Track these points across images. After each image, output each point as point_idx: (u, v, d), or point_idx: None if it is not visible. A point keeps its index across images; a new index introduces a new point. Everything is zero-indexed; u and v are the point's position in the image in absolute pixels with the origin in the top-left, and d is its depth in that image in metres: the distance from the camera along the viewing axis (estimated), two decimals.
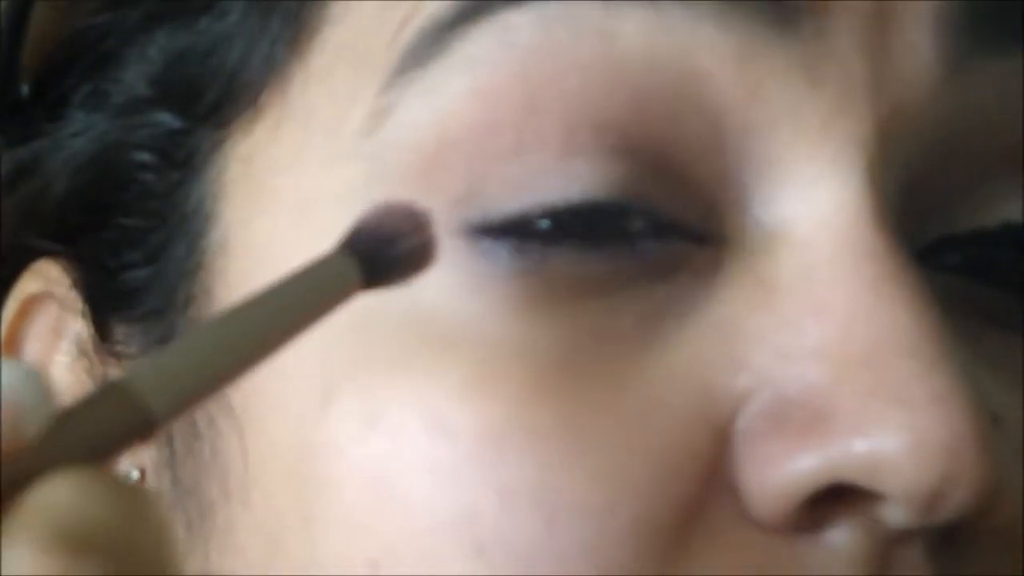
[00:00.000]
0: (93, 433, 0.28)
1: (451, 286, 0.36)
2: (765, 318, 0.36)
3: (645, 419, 0.35)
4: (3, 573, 0.26)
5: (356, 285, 0.31)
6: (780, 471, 0.35)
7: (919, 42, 0.37)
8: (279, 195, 0.38)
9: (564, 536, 0.34)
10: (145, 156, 0.40)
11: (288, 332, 0.30)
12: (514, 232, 0.36)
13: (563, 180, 0.36)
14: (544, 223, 0.36)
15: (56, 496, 0.27)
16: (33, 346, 0.43)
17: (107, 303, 0.42)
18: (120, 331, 0.42)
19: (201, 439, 0.39)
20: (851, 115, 0.36)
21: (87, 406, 0.29)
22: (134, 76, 0.41)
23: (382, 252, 0.32)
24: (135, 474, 0.42)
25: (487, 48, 0.36)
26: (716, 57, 0.36)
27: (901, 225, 0.37)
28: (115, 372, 0.42)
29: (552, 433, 0.35)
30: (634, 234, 0.36)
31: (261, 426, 0.38)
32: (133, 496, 0.27)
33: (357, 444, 0.36)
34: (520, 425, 0.35)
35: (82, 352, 0.42)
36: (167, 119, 0.40)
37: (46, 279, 0.43)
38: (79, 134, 0.42)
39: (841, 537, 0.35)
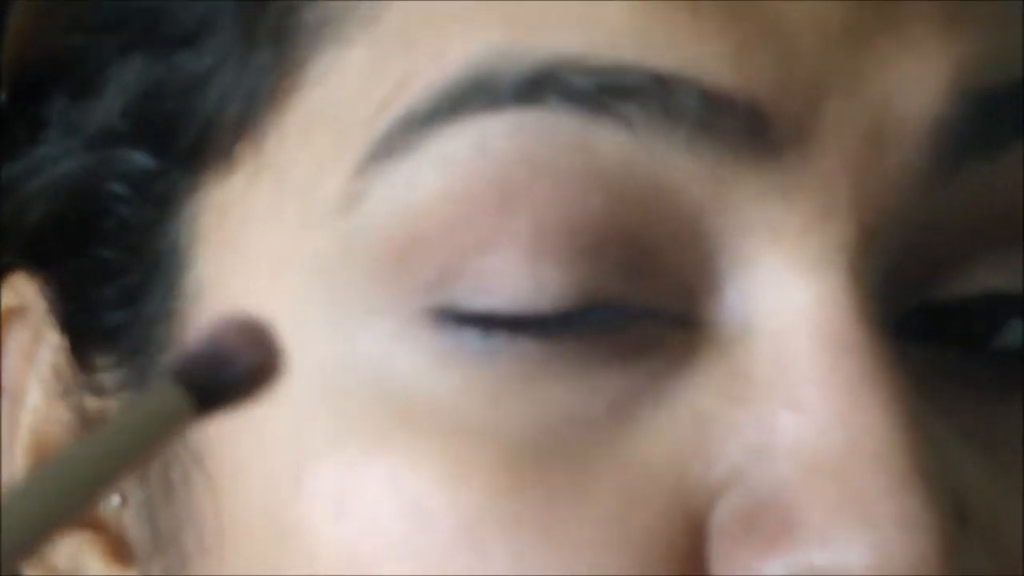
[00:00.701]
0: None
1: (421, 366, 0.36)
2: (739, 411, 0.36)
3: (621, 508, 0.35)
4: None
5: (188, 415, 0.30)
6: None
7: (915, 154, 0.37)
8: (254, 253, 0.38)
9: None
10: (120, 188, 0.40)
11: (117, 474, 0.30)
12: (480, 321, 0.36)
13: (531, 282, 0.35)
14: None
15: None
16: (11, 360, 0.43)
17: (84, 334, 0.41)
18: (99, 362, 0.41)
19: (175, 491, 0.39)
20: (831, 227, 0.36)
21: None
22: (109, 105, 0.40)
23: (216, 376, 0.30)
24: (116, 500, 0.42)
25: (461, 150, 0.36)
26: (692, 179, 0.36)
27: (882, 303, 0.36)
28: (92, 402, 0.41)
29: (528, 522, 0.35)
30: (604, 322, 0.36)
31: (234, 489, 0.38)
32: None
33: (330, 524, 0.36)
34: (496, 514, 0.35)
35: (57, 378, 0.42)
36: (140, 157, 0.39)
37: (22, 295, 0.42)
38: (56, 159, 0.41)
39: None
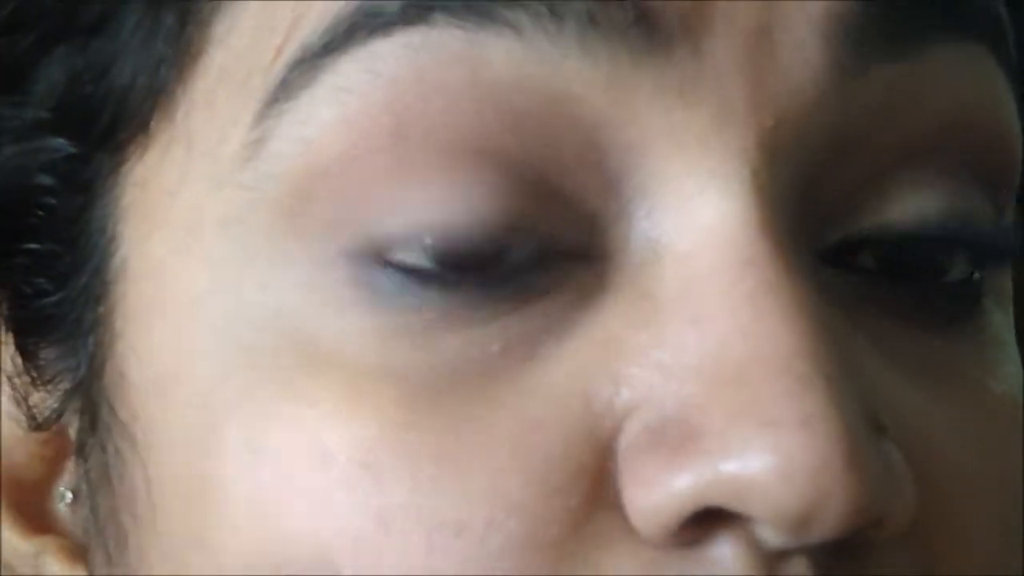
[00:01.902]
0: None
1: (329, 313, 0.36)
2: (646, 333, 0.36)
3: (523, 436, 0.35)
4: None
5: None
6: (656, 491, 0.34)
7: (807, 52, 0.36)
8: (169, 220, 0.38)
9: (444, 556, 0.34)
10: (48, 180, 0.41)
11: None
12: (391, 264, 0.36)
13: (436, 201, 0.36)
14: (421, 257, 0.36)
15: None
16: None
17: (26, 327, 0.42)
18: (44, 355, 0.42)
19: (110, 468, 0.40)
20: (730, 130, 0.36)
21: None
22: (35, 99, 0.41)
23: None
24: (68, 496, 0.42)
25: (354, 78, 0.36)
26: (585, 83, 0.36)
27: (797, 228, 0.36)
28: (42, 398, 0.42)
29: (426, 455, 0.35)
30: (512, 259, 0.36)
31: (159, 454, 0.38)
32: None
33: (243, 473, 0.36)
34: (393, 448, 0.35)
35: (7, 375, 0.43)
36: (64, 144, 0.40)
37: None
38: None
39: (724, 552, 0.34)
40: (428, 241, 0.36)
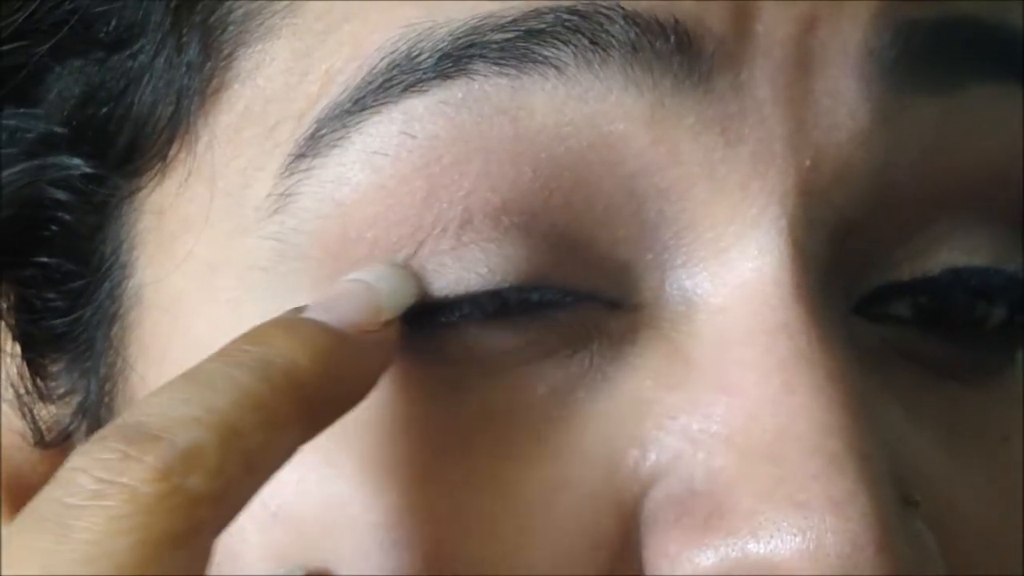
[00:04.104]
0: None
1: None
2: (676, 396, 0.35)
3: (550, 498, 0.35)
4: None
5: None
6: (681, 566, 0.34)
7: (843, 87, 0.36)
8: (189, 257, 0.38)
9: None
10: (63, 195, 0.40)
11: None
12: (424, 320, 0.35)
13: (464, 267, 0.35)
14: (455, 310, 0.35)
15: None
16: None
17: (35, 341, 0.41)
18: (52, 368, 0.41)
19: None
20: (771, 171, 0.35)
21: None
22: (50, 111, 0.40)
23: None
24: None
25: (389, 140, 0.35)
26: (628, 120, 0.35)
27: (833, 280, 0.36)
28: (48, 410, 0.41)
29: (448, 516, 0.34)
30: (543, 304, 0.35)
31: None
32: None
33: (261, 530, 0.36)
34: (413, 510, 0.34)
35: (9, 383, 0.42)
36: (78, 164, 0.39)
37: None
38: (2, 167, 0.41)
39: None
40: (451, 301, 0.35)
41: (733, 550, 0.33)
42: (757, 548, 0.33)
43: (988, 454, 0.38)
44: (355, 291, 0.34)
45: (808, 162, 0.35)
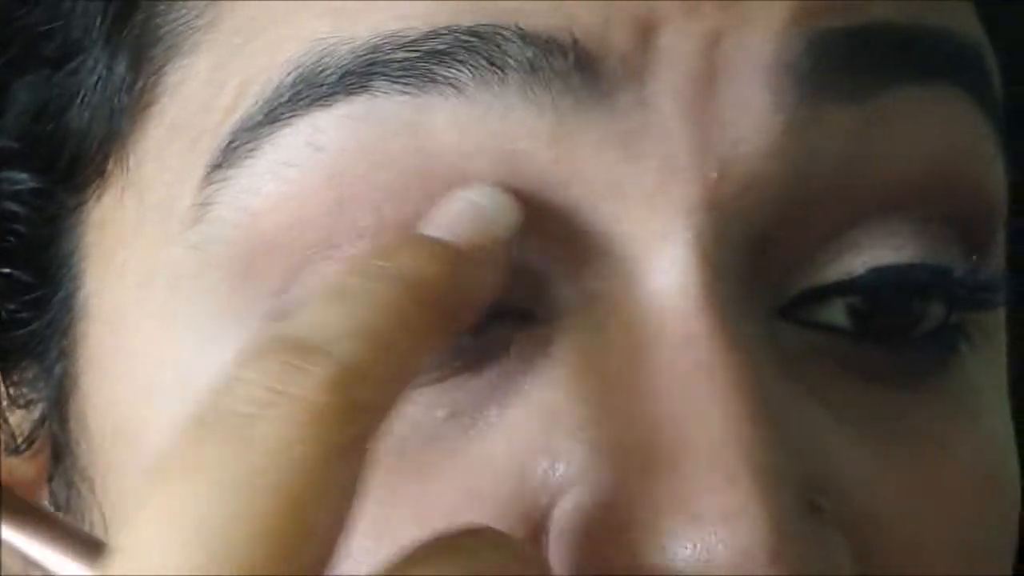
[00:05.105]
0: None
1: None
2: (586, 408, 0.35)
3: (455, 511, 0.35)
4: None
5: None
6: None
7: (751, 99, 0.35)
8: (124, 268, 0.38)
9: None
10: (17, 208, 0.41)
11: None
12: None
13: None
14: None
15: None
16: None
17: (5, 349, 0.42)
18: (25, 375, 0.42)
19: (71, 507, 0.41)
20: (675, 186, 0.35)
21: None
22: (7, 127, 0.41)
23: None
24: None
25: (296, 151, 0.35)
26: (530, 139, 0.35)
27: (747, 289, 0.35)
28: (16, 418, 0.42)
29: (361, 529, 0.34)
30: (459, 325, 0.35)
31: (117, 504, 0.39)
32: None
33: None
34: None
35: None
36: (26, 178, 0.40)
37: None
38: None
39: None
40: None
41: (634, 562, 0.33)
42: (654, 560, 0.33)
43: (921, 460, 0.37)
44: (465, 211, 0.35)
45: (714, 175, 0.35)
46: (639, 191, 0.35)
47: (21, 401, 0.42)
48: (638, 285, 0.35)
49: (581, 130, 0.35)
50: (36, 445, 0.42)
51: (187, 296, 0.37)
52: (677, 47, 0.35)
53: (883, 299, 0.37)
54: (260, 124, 0.36)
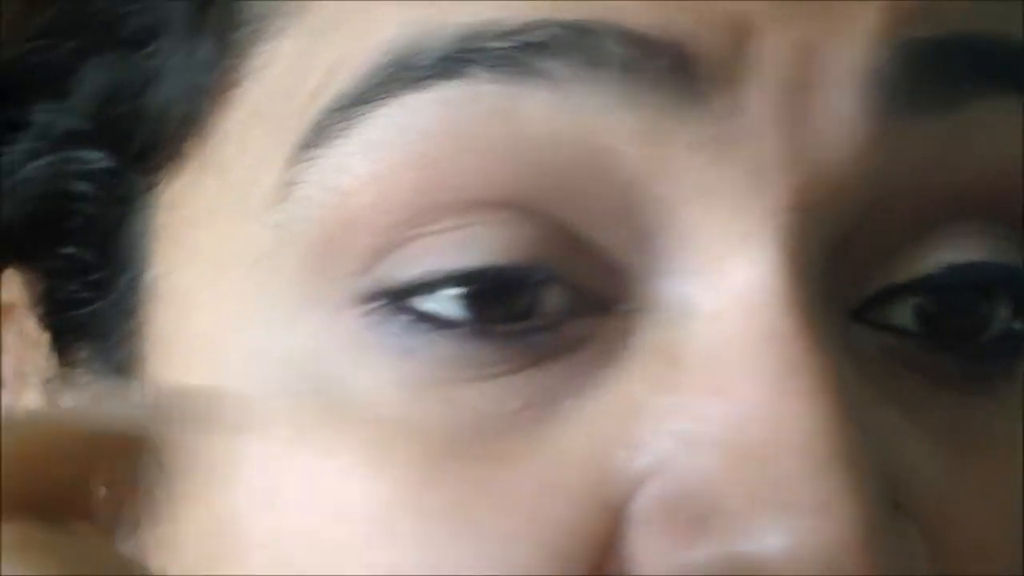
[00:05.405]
0: None
1: (347, 360, 0.36)
2: (667, 399, 0.35)
3: (536, 500, 0.35)
4: None
5: None
6: (668, 566, 0.34)
7: (842, 107, 0.36)
8: (198, 249, 0.39)
9: None
10: (86, 188, 0.41)
11: None
12: (408, 310, 0.36)
13: (460, 247, 0.35)
14: (440, 300, 0.36)
15: None
16: (9, 358, 0.44)
17: (61, 330, 0.42)
18: (80, 356, 0.42)
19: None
20: (765, 189, 0.35)
21: None
22: (75, 106, 0.41)
23: None
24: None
25: (387, 132, 0.36)
26: (621, 136, 0.35)
27: (828, 290, 0.36)
28: (67, 398, 0.42)
29: (440, 515, 0.35)
30: (534, 315, 0.36)
31: (180, 482, 0.38)
32: None
33: (260, 518, 0.36)
34: (408, 506, 0.35)
35: (37, 372, 0.43)
36: (99, 157, 0.40)
37: (12, 292, 0.44)
38: (25, 160, 0.42)
39: None
40: (454, 292, 0.36)
41: (722, 550, 0.34)
42: (745, 548, 0.34)
43: (987, 464, 0.38)
44: None
45: (803, 181, 0.35)
46: (728, 192, 0.35)
47: (77, 383, 0.42)
48: (721, 282, 0.36)
49: (673, 130, 0.35)
50: None
51: (264, 278, 0.37)
52: (771, 53, 0.35)
53: (952, 300, 0.38)
54: (352, 104, 0.36)
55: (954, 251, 0.37)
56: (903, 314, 0.38)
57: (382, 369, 0.36)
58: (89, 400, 0.42)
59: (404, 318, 0.36)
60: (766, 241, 0.35)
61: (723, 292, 0.35)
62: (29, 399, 0.43)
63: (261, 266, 0.37)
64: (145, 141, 0.39)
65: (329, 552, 0.35)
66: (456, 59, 0.35)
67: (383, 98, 0.36)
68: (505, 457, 0.35)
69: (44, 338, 0.43)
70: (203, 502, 0.38)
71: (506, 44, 0.35)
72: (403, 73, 0.36)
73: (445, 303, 0.36)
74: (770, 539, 0.33)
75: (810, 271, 0.36)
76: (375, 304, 0.36)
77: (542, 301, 0.36)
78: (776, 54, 0.35)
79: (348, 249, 0.36)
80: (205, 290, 0.38)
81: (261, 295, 0.37)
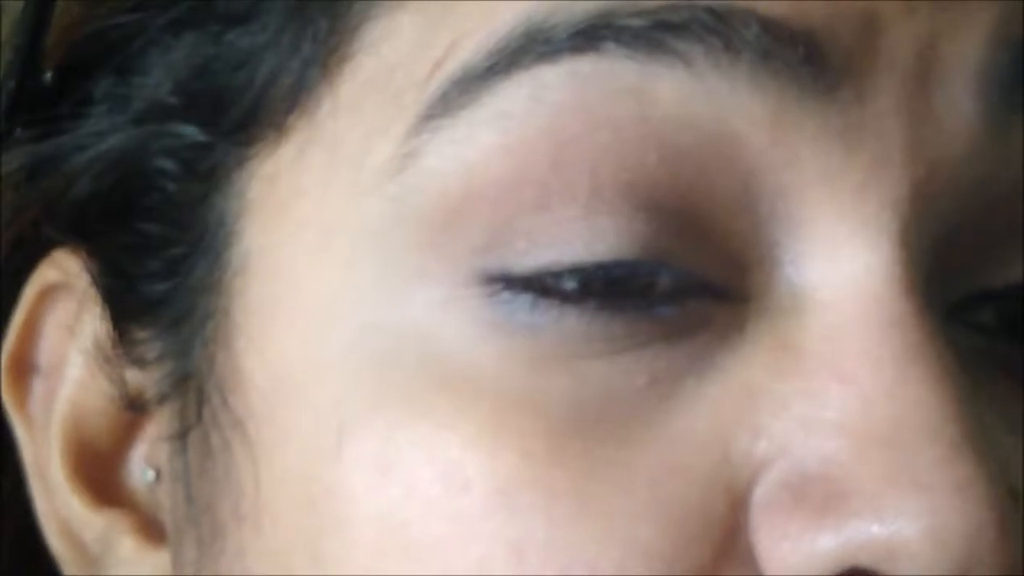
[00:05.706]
0: None
1: (467, 335, 0.36)
2: (787, 385, 0.36)
3: (660, 481, 0.35)
4: None
5: None
6: (798, 549, 0.34)
7: (961, 99, 0.37)
8: (302, 222, 0.38)
9: None
10: (168, 164, 0.40)
11: None
12: (533, 287, 0.36)
13: (588, 236, 0.35)
14: (566, 282, 0.36)
15: None
16: (50, 336, 0.43)
17: (125, 308, 0.42)
18: (139, 335, 0.42)
19: (215, 459, 0.39)
20: (887, 178, 0.36)
21: None
22: (159, 82, 0.40)
23: None
24: (150, 475, 0.42)
25: (517, 103, 0.36)
26: (750, 121, 0.36)
27: (932, 282, 0.37)
28: (133, 375, 0.42)
29: (565, 491, 0.35)
30: (656, 294, 0.36)
31: (274, 455, 0.38)
32: None
33: (370, 489, 0.36)
34: (533, 481, 0.35)
35: (99, 349, 0.42)
36: (191, 131, 0.40)
37: (64, 271, 0.43)
38: (102, 135, 0.41)
39: None
40: (575, 269, 0.36)
41: (856, 532, 0.34)
42: (880, 530, 0.34)
43: None
44: None
45: (923, 173, 0.36)
46: (850, 181, 0.36)
47: (142, 360, 0.41)
48: (838, 269, 0.36)
49: (801, 119, 0.36)
50: (160, 406, 0.42)
51: (377, 250, 0.37)
52: (898, 46, 0.36)
53: None
54: (482, 75, 0.36)
55: None
56: (986, 316, 0.38)
57: (506, 344, 0.36)
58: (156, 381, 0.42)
59: (529, 296, 0.36)
60: (884, 230, 0.36)
61: (839, 280, 0.36)
62: (74, 373, 0.42)
63: (374, 239, 0.37)
64: (243, 115, 0.39)
65: (447, 522, 0.35)
66: (591, 34, 0.35)
67: (514, 69, 0.36)
68: (629, 437, 0.35)
69: (105, 315, 0.42)
70: (297, 475, 0.37)
71: (643, 22, 0.35)
72: (536, 46, 0.36)
73: (565, 281, 0.36)
74: (907, 519, 0.34)
75: (922, 262, 0.36)
76: (497, 285, 0.36)
77: (660, 284, 0.36)
78: (901, 47, 0.36)
79: (470, 223, 0.36)
80: (312, 263, 0.38)
81: (374, 267, 0.37)
